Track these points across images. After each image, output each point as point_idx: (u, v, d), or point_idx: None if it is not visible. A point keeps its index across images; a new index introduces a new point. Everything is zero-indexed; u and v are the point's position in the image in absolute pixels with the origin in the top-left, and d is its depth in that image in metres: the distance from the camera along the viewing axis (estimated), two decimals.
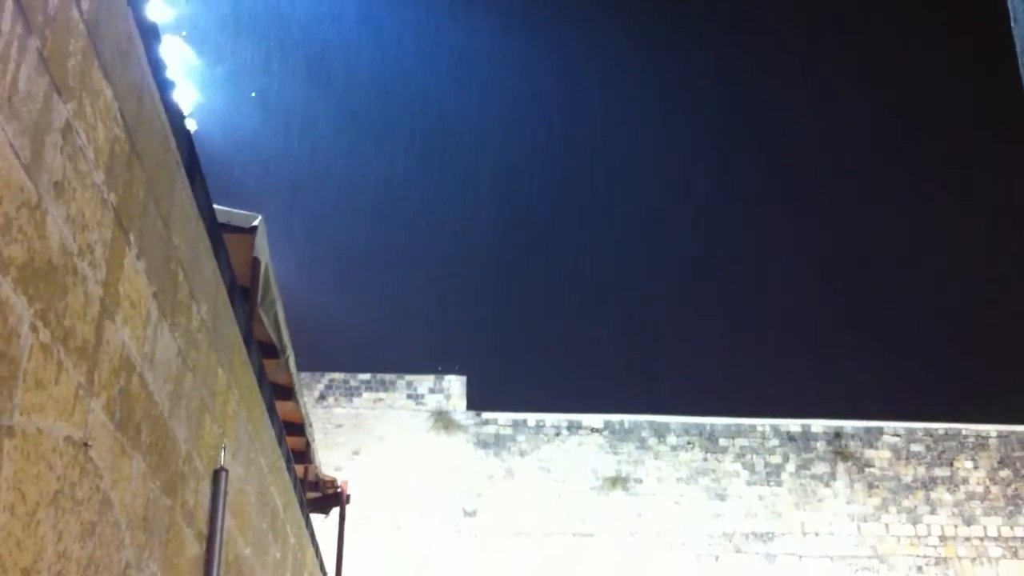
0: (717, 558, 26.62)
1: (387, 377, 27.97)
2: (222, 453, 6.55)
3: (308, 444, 13.79)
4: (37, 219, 3.52)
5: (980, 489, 27.83)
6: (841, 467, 27.80)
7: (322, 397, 27.21)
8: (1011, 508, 27.65)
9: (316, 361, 27.08)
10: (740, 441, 27.91)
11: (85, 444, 4.18)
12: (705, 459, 27.65)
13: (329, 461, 21.22)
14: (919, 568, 26.92)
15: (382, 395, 27.66)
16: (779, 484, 27.50)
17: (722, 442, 27.88)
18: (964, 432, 28.51)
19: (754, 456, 27.77)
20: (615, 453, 27.50)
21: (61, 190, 3.73)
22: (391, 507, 26.42)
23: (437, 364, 28.38)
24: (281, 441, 10.59)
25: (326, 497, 15.88)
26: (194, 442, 5.96)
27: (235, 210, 8.06)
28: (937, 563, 26.99)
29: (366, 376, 27.84)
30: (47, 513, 3.79)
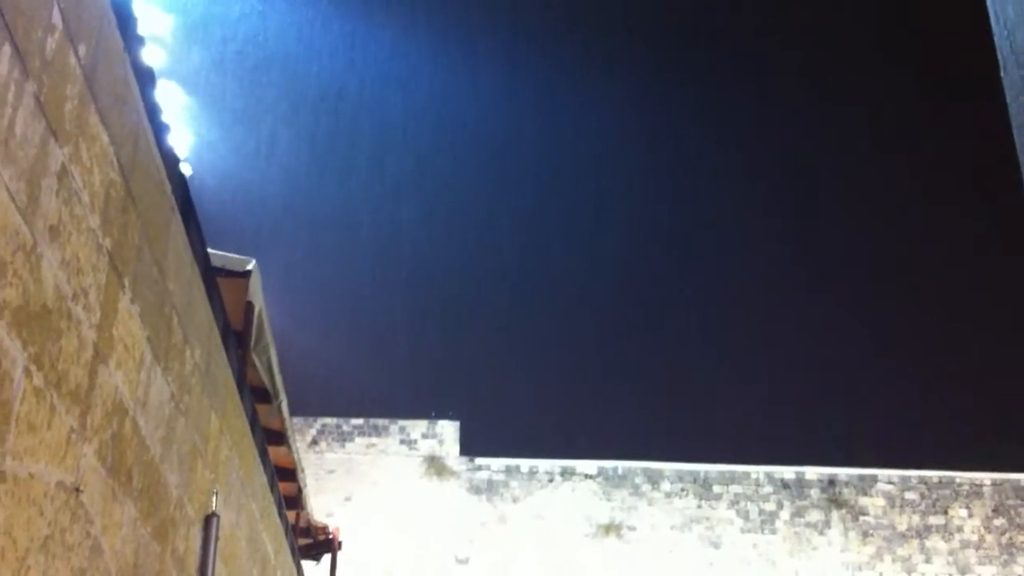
0: None
1: (380, 422, 27.85)
2: (214, 498, 6.50)
3: (300, 489, 13.70)
4: (32, 263, 3.52)
5: (975, 537, 27.68)
6: (835, 515, 27.66)
7: (314, 442, 27.08)
8: (1006, 556, 27.49)
9: (308, 405, 26.99)
10: (734, 488, 27.78)
11: (77, 489, 4.15)
12: (699, 506, 27.51)
13: (321, 507, 21.05)
14: None
15: (375, 440, 27.53)
16: (773, 532, 27.34)
17: (716, 489, 27.75)
18: (958, 480, 28.39)
19: (748, 503, 27.63)
20: (608, 500, 27.35)
21: (56, 234, 3.73)
22: (383, 554, 26.20)
23: (430, 409, 28.28)
24: (273, 486, 10.52)
25: (317, 543, 15.76)
26: (185, 487, 5.93)
27: (229, 254, 8.06)
28: None
29: (359, 421, 27.73)
30: (37, 559, 3.76)
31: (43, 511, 3.82)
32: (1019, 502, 28.12)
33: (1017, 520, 27.91)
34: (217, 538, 6.29)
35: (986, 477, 28.45)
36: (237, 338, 8.09)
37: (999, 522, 27.87)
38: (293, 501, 13.76)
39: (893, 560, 27.27)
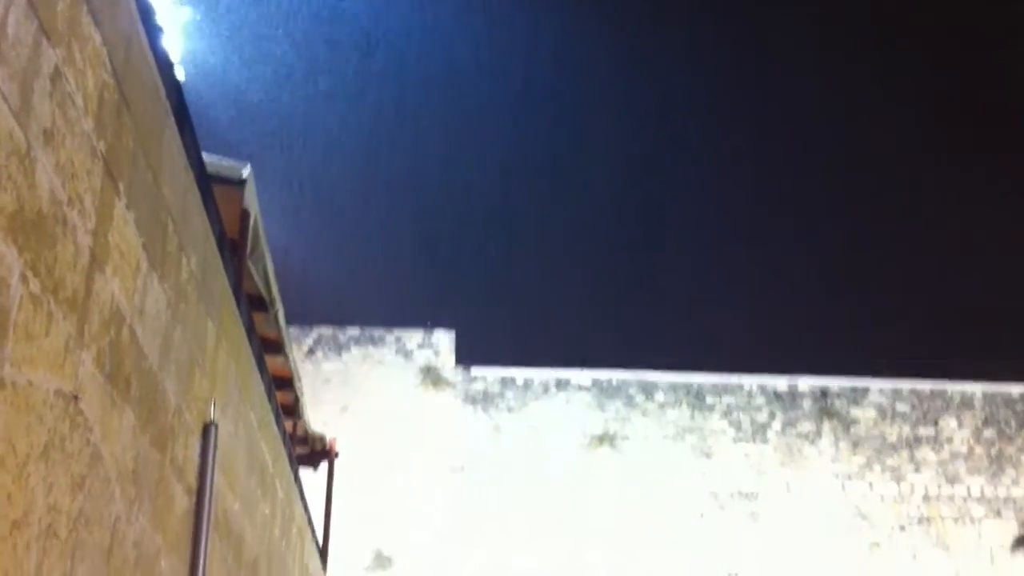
0: (702, 515, 26.79)
1: (376, 332, 27.92)
2: (212, 407, 6.50)
3: (297, 399, 13.75)
4: (26, 167, 3.45)
5: (964, 448, 28.03)
6: (827, 426, 27.94)
7: (311, 352, 27.17)
8: (994, 468, 27.86)
9: (305, 315, 26.98)
10: (727, 399, 28.01)
11: (75, 397, 4.13)
12: (692, 417, 27.76)
13: (317, 417, 21.17)
14: (902, 527, 27.14)
15: (371, 350, 27.63)
16: (765, 442, 27.64)
17: (709, 400, 27.97)
18: (949, 391, 28.65)
19: (740, 414, 27.88)
20: (602, 410, 27.58)
21: (50, 138, 3.65)
22: (379, 463, 26.47)
23: (426, 319, 28.33)
24: (270, 396, 10.55)
25: (315, 452, 15.88)
26: (183, 396, 5.91)
27: (224, 161, 7.95)
28: (920, 522, 27.22)
29: (355, 331, 27.79)
30: (37, 466, 3.75)
31: (42, 418, 3.80)
32: (1009, 413, 28.42)
33: (1007, 431, 28.23)
34: (216, 447, 6.30)
35: (977, 388, 28.70)
36: (232, 246, 8.03)
37: (988, 433, 28.19)
38: (290, 410, 13.82)
39: (882, 470, 27.63)
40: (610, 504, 26.75)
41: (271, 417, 9.79)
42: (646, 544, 26.45)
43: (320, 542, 14.96)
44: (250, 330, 8.78)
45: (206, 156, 6.79)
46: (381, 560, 25.71)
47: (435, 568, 25.73)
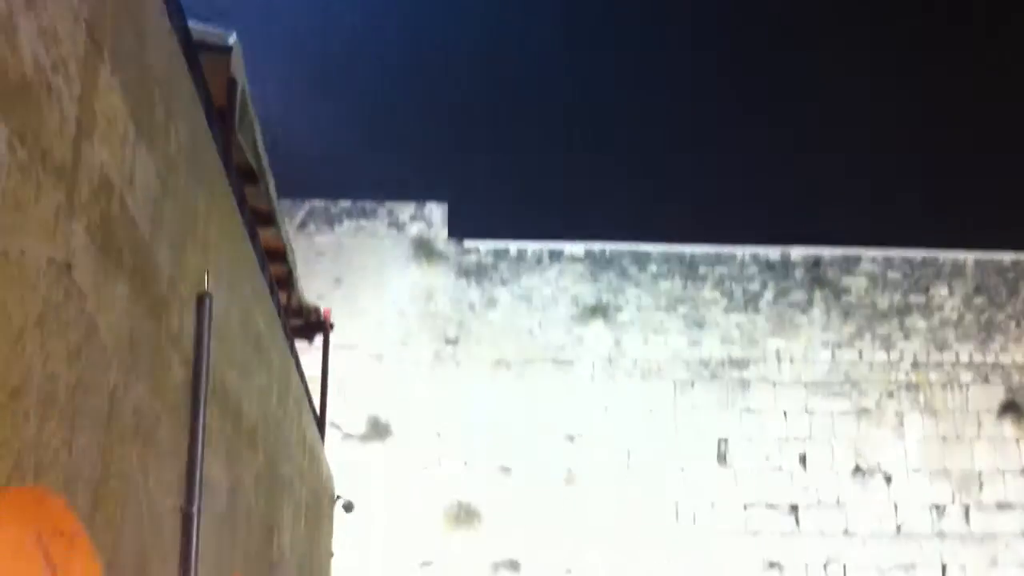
0: (693, 384, 27.18)
1: (368, 205, 27.83)
2: (205, 278, 6.50)
3: (290, 271, 13.79)
4: (8, 33, 3.36)
5: (954, 316, 28.30)
6: (818, 295, 28.14)
7: (303, 225, 27.11)
8: (983, 335, 28.19)
9: (296, 188, 26.79)
10: (719, 269, 28.12)
11: (68, 266, 4.12)
12: (684, 287, 27.91)
13: (311, 290, 21.27)
14: (890, 394, 27.59)
15: (363, 223, 27.59)
16: (756, 312, 27.87)
17: (701, 270, 28.08)
18: (941, 259, 28.78)
19: (733, 284, 28.04)
20: (595, 282, 27.70)
21: (32, 2, 3.55)
22: (374, 335, 26.71)
23: (418, 191, 28.23)
24: (263, 268, 10.56)
25: (309, 324, 16.00)
26: (177, 267, 5.91)
27: (209, 28, 7.78)
28: (908, 389, 27.66)
29: (347, 203, 27.69)
30: (33, 335, 3.76)
31: (36, 288, 3.80)
32: (1000, 281, 28.61)
33: (997, 299, 28.47)
34: (211, 317, 6.32)
35: (969, 256, 28.81)
36: (220, 117, 7.92)
37: (979, 301, 28.43)
38: (284, 283, 13.87)
39: (872, 338, 27.94)
40: (602, 374, 27.10)
41: (265, 288, 9.82)
42: (635, 411, 26.90)
43: (317, 412, 15.19)
44: (241, 202, 8.74)
45: (191, 23, 6.64)
46: (378, 429, 26.17)
47: (431, 435, 26.21)
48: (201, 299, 6.28)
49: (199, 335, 6.21)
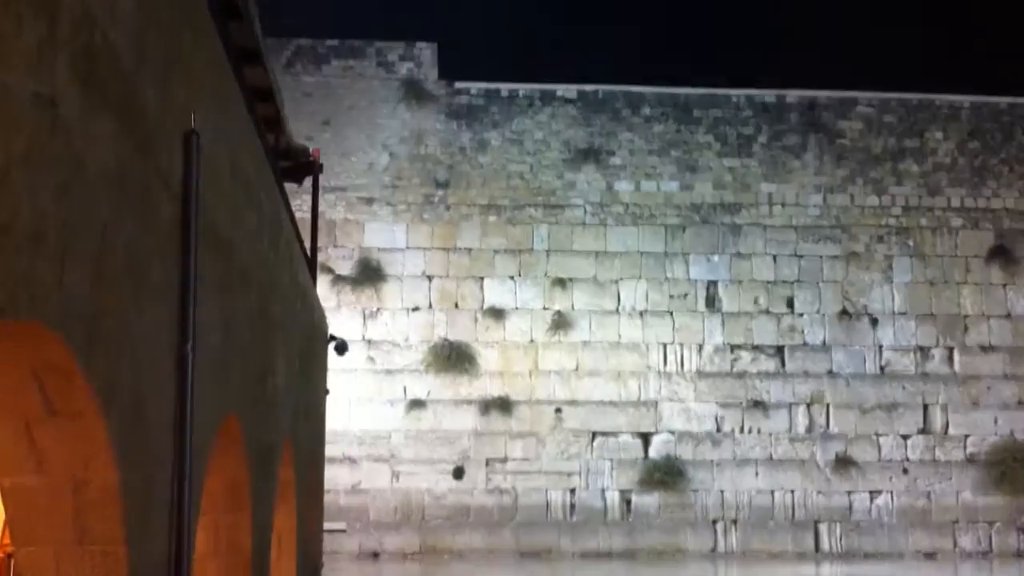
0: (684, 229, 27.22)
1: (356, 44, 27.25)
2: (192, 116, 6.38)
3: (278, 112, 13.58)
4: None
5: (948, 160, 28.19)
6: (812, 138, 27.94)
7: (289, 64, 26.59)
8: (976, 179, 28.14)
9: (282, 26, 26.14)
10: (714, 112, 27.81)
11: (53, 101, 4.02)
12: (678, 131, 27.65)
13: (299, 132, 20.99)
14: (880, 238, 27.70)
15: (351, 62, 27.06)
16: (750, 156, 27.70)
17: (696, 113, 27.77)
18: (937, 103, 28.48)
19: (727, 127, 27.78)
20: (588, 125, 27.41)
21: None
22: (363, 178, 26.55)
23: (407, 30, 27.60)
24: (251, 107, 10.39)
25: (299, 166, 15.83)
26: (163, 104, 5.79)
27: None
28: (898, 233, 27.76)
29: (334, 43, 27.11)
30: (20, 172, 3.70)
31: (21, 123, 3.71)
32: (995, 125, 28.39)
33: (991, 143, 28.30)
34: (199, 155, 6.22)
35: (965, 100, 28.52)
36: None
37: (973, 145, 28.27)
38: (272, 123, 13.67)
39: (865, 183, 27.88)
40: (593, 218, 27.09)
41: (252, 128, 9.67)
42: (626, 256, 27.01)
43: (308, 254, 15.19)
44: (225, 38, 8.52)
45: None
46: (369, 271, 26.28)
47: (422, 277, 26.36)
48: (188, 137, 6.17)
49: (187, 173, 6.12)
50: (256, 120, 10.50)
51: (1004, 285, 27.74)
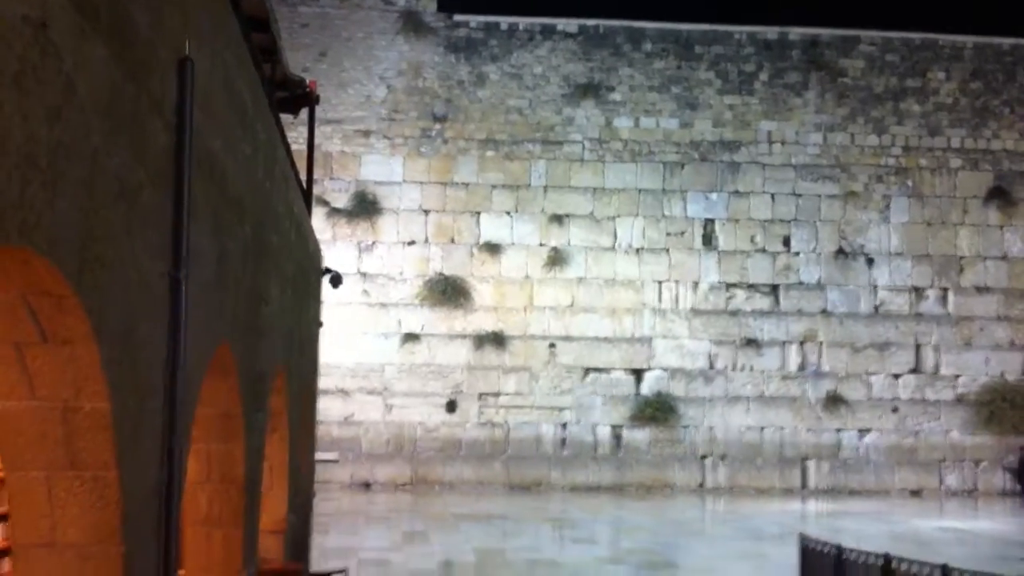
0: (683, 166, 27.12)
1: None
2: (186, 43, 6.30)
3: (274, 42, 13.42)
4: None
5: (949, 100, 28.00)
6: (814, 76, 27.72)
7: None
8: (977, 120, 27.98)
9: None
10: (715, 49, 27.55)
11: (43, 24, 3.97)
12: (679, 67, 27.42)
13: (295, 63, 20.79)
14: (879, 178, 27.63)
15: None
16: (751, 93, 27.51)
17: (697, 50, 27.52)
18: (940, 42, 28.22)
19: (728, 64, 27.54)
20: (588, 60, 27.17)
21: None
22: (360, 111, 26.36)
23: None
24: (247, 36, 10.26)
25: (295, 97, 15.70)
26: (156, 30, 5.71)
27: None
28: (897, 173, 27.68)
29: None
30: (10, 94, 3.66)
31: (11, 45, 3.66)
32: (998, 67, 28.17)
33: (993, 84, 28.11)
34: (193, 82, 6.16)
35: (968, 40, 28.25)
36: None
37: (975, 86, 28.07)
38: (268, 53, 13.52)
39: (865, 122, 27.73)
40: (591, 154, 26.97)
41: (248, 57, 9.56)
42: (624, 193, 26.94)
43: (303, 186, 15.14)
44: None
45: None
46: (365, 205, 26.22)
47: (418, 211, 26.30)
48: (182, 63, 6.10)
49: (181, 100, 6.06)
50: (252, 49, 10.38)
51: (1001, 227, 27.75)
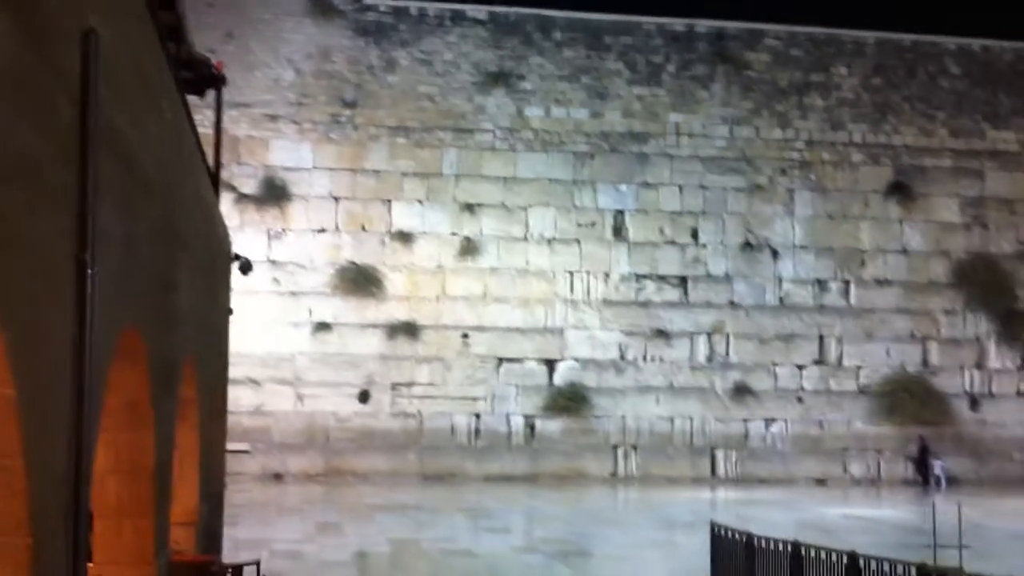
0: (593, 157, 27.20)
1: None
2: (90, 16, 6.01)
3: (180, 19, 13.02)
4: None
5: (851, 96, 28.56)
6: (720, 69, 28.01)
7: None
8: (878, 116, 28.59)
9: None
10: (624, 39, 27.67)
11: None
12: (588, 57, 27.47)
13: (200, 44, 20.18)
14: (783, 171, 28.06)
15: None
16: (659, 85, 27.69)
17: (607, 40, 27.60)
18: (843, 38, 28.76)
19: (637, 55, 27.69)
20: (498, 48, 27.05)
21: None
22: (268, 94, 25.85)
23: None
24: (153, 13, 9.90)
25: (201, 78, 15.24)
26: (59, 1, 5.43)
27: None
28: (801, 166, 28.15)
29: None
30: None
31: None
32: (899, 63, 28.81)
33: (894, 80, 28.74)
34: (98, 56, 5.87)
35: (871, 36, 28.84)
36: None
37: (877, 81, 28.67)
38: (173, 32, 13.10)
39: (770, 115, 28.13)
40: (502, 143, 26.88)
41: (154, 34, 9.22)
42: (536, 183, 26.91)
43: (212, 167, 14.73)
44: None
45: None
46: (274, 191, 25.73)
47: (328, 199, 25.92)
48: (87, 35, 5.81)
49: (86, 74, 5.77)
50: (159, 27, 10.02)
51: (901, 220, 28.41)
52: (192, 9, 20.28)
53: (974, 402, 28.02)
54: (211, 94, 16.43)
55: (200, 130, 15.23)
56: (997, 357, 28.24)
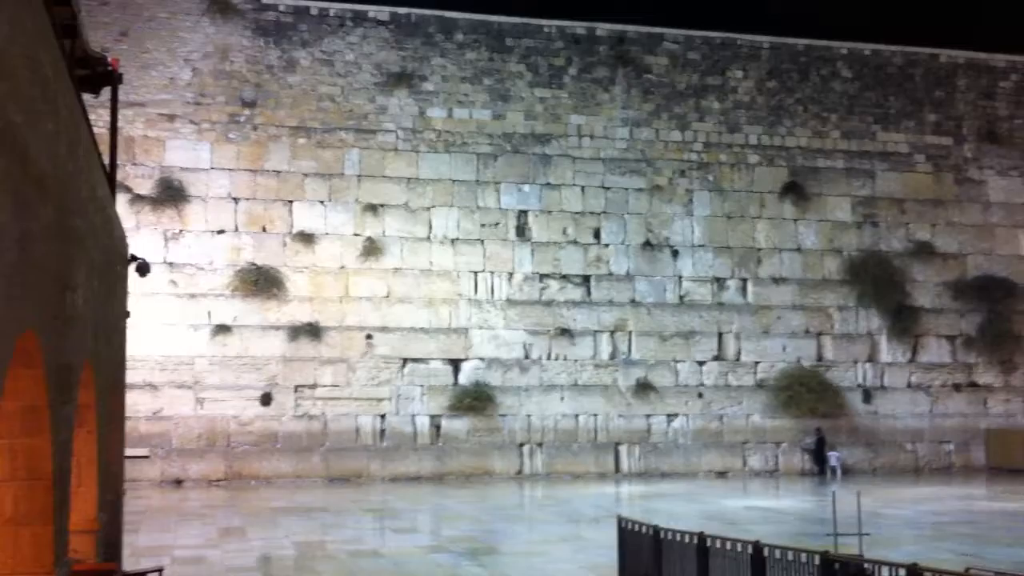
0: (496, 158, 27.29)
1: None
2: None
3: (74, 15, 12.69)
4: None
5: (747, 99, 29.18)
6: (621, 72, 28.37)
7: None
8: (772, 118, 29.27)
9: None
10: (526, 42, 27.85)
11: None
12: (491, 58, 27.57)
13: (94, 42, 19.72)
14: (682, 172, 28.54)
15: None
16: (561, 87, 27.93)
17: (508, 42, 27.74)
18: (739, 42, 29.39)
19: (538, 58, 27.89)
20: (400, 49, 26.98)
21: None
22: (164, 94, 25.36)
23: None
24: (48, 7, 9.64)
25: (96, 75, 14.87)
26: None
27: None
28: (699, 168, 28.66)
29: None
30: None
31: None
32: (792, 66, 29.55)
33: (788, 83, 29.46)
34: None
35: (765, 40, 29.54)
36: None
37: (771, 84, 29.36)
38: (67, 28, 12.78)
39: (669, 118, 28.60)
40: (405, 144, 26.80)
41: (49, 28, 8.99)
42: (439, 184, 26.90)
43: (108, 167, 14.39)
44: None
45: None
46: (171, 192, 25.23)
47: (227, 199, 25.53)
48: None
49: None
50: (53, 21, 9.76)
51: (795, 220, 29.13)
52: (85, 7, 19.82)
53: (867, 395, 28.87)
54: (106, 93, 16.06)
55: (94, 130, 14.89)
56: (888, 351, 29.14)
